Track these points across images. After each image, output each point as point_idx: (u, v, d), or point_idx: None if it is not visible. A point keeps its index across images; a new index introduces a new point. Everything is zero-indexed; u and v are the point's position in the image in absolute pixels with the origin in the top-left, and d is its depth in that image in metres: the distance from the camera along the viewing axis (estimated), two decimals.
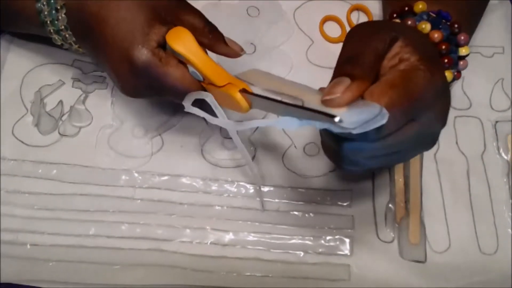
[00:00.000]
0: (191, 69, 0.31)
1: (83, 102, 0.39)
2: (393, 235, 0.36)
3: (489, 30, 0.42)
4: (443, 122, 0.27)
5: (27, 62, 0.40)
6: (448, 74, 0.31)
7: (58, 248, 0.34)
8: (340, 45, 0.41)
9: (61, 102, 0.39)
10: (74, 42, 0.33)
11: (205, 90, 0.31)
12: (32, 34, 0.37)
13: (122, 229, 0.35)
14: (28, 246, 0.34)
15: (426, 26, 0.31)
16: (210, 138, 0.38)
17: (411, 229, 0.36)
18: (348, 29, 0.43)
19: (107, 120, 0.38)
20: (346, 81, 0.25)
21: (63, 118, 0.38)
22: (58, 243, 0.34)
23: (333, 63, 0.40)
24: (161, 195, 0.36)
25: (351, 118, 0.23)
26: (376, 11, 0.43)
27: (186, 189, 0.37)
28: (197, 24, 0.32)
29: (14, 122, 0.38)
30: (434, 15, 0.32)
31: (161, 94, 0.32)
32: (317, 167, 0.38)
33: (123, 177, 0.37)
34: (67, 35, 0.33)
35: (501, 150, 0.39)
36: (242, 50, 0.33)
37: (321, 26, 0.43)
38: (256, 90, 0.30)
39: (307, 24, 0.43)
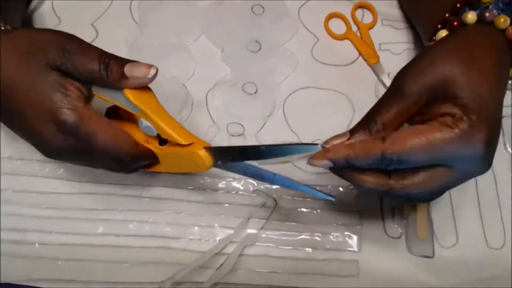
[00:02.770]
0: (144, 123, 0.29)
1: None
2: (400, 231, 0.36)
3: None
4: (483, 169, 0.27)
5: None
6: None
7: (66, 247, 0.34)
8: (345, 42, 0.42)
9: None
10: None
11: (150, 150, 0.30)
12: None
13: (130, 228, 0.35)
14: (37, 245, 0.34)
15: (505, 20, 0.27)
16: (217, 135, 0.38)
17: (418, 225, 0.36)
18: (353, 26, 0.43)
19: None
20: (345, 135, 0.27)
21: None
22: (66, 242, 0.34)
23: (338, 60, 0.41)
24: (169, 193, 0.36)
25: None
26: (380, 8, 0.43)
27: (194, 187, 0.37)
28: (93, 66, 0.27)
29: None
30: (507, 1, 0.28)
31: (89, 157, 0.29)
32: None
33: (131, 175, 0.36)
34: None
35: (507, 145, 0.39)
36: (150, 68, 0.28)
37: (326, 23, 0.43)
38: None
39: (312, 21, 0.43)
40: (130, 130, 0.30)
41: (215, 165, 0.30)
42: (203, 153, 0.29)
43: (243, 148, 0.29)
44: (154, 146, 0.31)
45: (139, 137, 0.30)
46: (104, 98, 0.29)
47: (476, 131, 0.25)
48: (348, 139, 0.27)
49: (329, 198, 0.28)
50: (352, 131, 0.27)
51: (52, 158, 0.31)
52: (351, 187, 0.37)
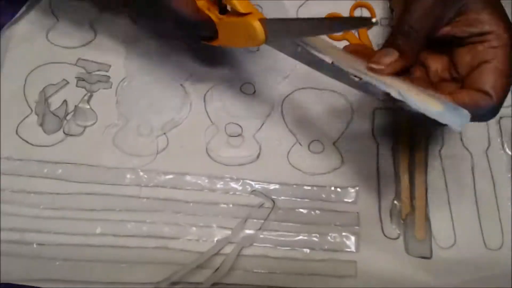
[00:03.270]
0: None
1: (88, 101, 0.39)
2: (398, 232, 0.36)
3: None
4: None
5: (29, 61, 0.40)
6: None
7: (64, 247, 0.34)
8: (344, 42, 0.42)
9: (65, 101, 0.39)
10: None
11: (210, 18, 0.31)
12: None
13: (128, 228, 0.35)
14: (35, 246, 0.34)
15: None
16: (215, 136, 0.38)
17: (416, 225, 0.36)
18: None
19: (112, 119, 0.38)
20: (394, 54, 0.26)
21: (68, 117, 0.38)
22: (64, 242, 0.34)
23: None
24: (167, 193, 0.36)
25: (451, 117, 0.25)
26: (379, 7, 0.43)
27: (191, 187, 0.37)
28: None
29: (18, 122, 0.38)
30: None
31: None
32: (322, 165, 0.38)
33: (129, 176, 0.37)
34: None
35: (505, 146, 0.39)
36: None
37: None
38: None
39: None
40: None
41: (269, 41, 0.29)
42: (257, 24, 0.28)
43: (298, 21, 0.29)
44: (214, 15, 0.31)
45: (201, 3, 0.31)
46: None
47: None
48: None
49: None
50: (394, 45, 0.27)
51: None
52: (350, 188, 0.37)
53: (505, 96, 0.27)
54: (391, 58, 0.26)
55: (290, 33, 0.28)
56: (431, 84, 0.30)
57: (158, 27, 0.35)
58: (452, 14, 0.28)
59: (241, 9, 0.29)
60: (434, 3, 0.27)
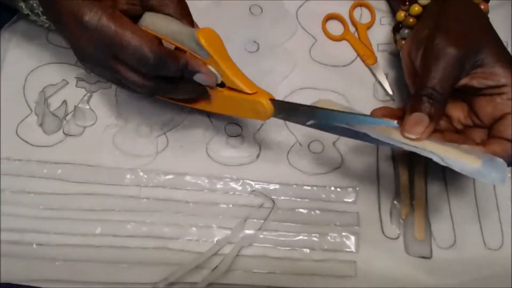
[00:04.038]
0: (210, 68, 0.31)
1: (87, 101, 0.39)
2: (398, 232, 0.36)
3: (493, 24, 0.42)
4: None
5: (29, 62, 0.40)
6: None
7: (64, 247, 0.34)
8: (343, 43, 0.42)
9: (65, 102, 0.39)
10: (42, 12, 0.32)
11: (170, 50, 0.30)
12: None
13: (128, 228, 0.35)
14: (34, 246, 0.34)
15: None
16: (215, 136, 0.38)
17: (416, 225, 0.36)
18: (351, 27, 0.43)
19: (112, 120, 0.38)
20: (425, 120, 0.28)
21: (68, 117, 0.38)
22: (64, 242, 0.34)
23: (336, 61, 0.42)
24: (167, 193, 0.36)
25: (490, 173, 0.26)
26: (379, 6, 0.43)
27: (191, 188, 0.37)
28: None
29: (18, 122, 0.38)
30: None
31: (114, 61, 0.29)
32: (322, 165, 0.38)
33: (129, 176, 0.37)
34: (34, 4, 0.32)
35: None
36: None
37: (324, 24, 0.43)
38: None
39: (310, 22, 0.43)
40: None
41: (275, 116, 0.31)
42: (267, 103, 0.30)
43: (312, 109, 0.30)
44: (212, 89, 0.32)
45: None
46: (169, 40, 0.30)
47: None
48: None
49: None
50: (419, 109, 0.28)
51: (84, 62, 0.31)
52: (350, 188, 0.37)
53: None
54: (424, 125, 0.28)
55: (298, 119, 0.30)
56: (458, 132, 0.32)
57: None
58: (469, 69, 0.30)
59: (248, 90, 0.30)
60: (453, 65, 0.29)
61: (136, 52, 0.28)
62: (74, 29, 0.29)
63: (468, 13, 0.31)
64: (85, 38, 0.28)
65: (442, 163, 0.27)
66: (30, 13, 0.33)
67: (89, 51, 0.29)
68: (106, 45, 0.28)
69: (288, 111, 0.31)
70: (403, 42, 0.36)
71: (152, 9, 0.30)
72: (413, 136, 0.28)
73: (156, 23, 0.30)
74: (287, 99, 0.40)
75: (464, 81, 0.30)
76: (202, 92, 0.32)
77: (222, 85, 0.32)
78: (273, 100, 0.31)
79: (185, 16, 0.31)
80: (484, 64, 0.30)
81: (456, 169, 0.26)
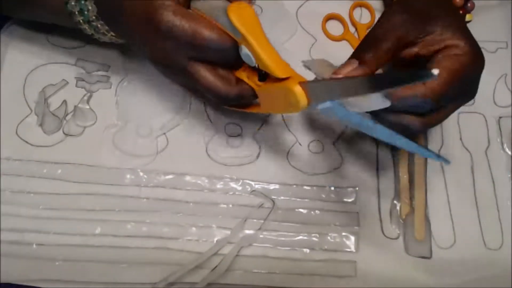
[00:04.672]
0: (244, 50, 0.28)
1: (87, 101, 0.39)
2: (398, 232, 0.36)
3: (493, 25, 0.42)
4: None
5: (29, 62, 0.39)
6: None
7: (64, 247, 0.34)
8: (343, 43, 0.42)
9: (65, 102, 0.39)
10: (107, 31, 0.32)
11: (250, 87, 0.30)
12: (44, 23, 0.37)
13: (128, 228, 0.35)
14: (34, 246, 0.34)
15: None
16: (215, 136, 0.38)
17: (416, 226, 0.36)
18: (351, 27, 0.43)
19: (112, 120, 0.38)
20: (354, 63, 0.29)
21: (67, 117, 0.38)
22: (64, 242, 0.34)
23: (336, 61, 0.41)
24: (167, 193, 0.36)
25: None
26: (379, 6, 0.43)
27: (191, 188, 0.37)
28: None
29: (18, 122, 0.38)
30: None
31: (194, 51, 0.29)
32: (322, 165, 0.38)
33: (129, 176, 0.37)
34: (99, 25, 0.32)
35: (505, 146, 0.39)
36: None
37: (323, 24, 0.43)
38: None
39: (309, 22, 0.43)
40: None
41: (311, 106, 0.26)
42: (298, 89, 0.26)
43: (342, 80, 0.27)
44: (253, 82, 0.29)
45: (240, 73, 0.30)
46: (204, 15, 0.28)
47: (478, 57, 0.30)
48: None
49: (442, 160, 0.26)
50: (359, 57, 0.29)
51: (158, 65, 0.31)
52: (350, 188, 0.37)
53: (441, 96, 0.28)
54: (350, 67, 0.29)
55: (334, 95, 0.26)
56: None
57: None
58: (418, 36, 0.30)
59: (280, 74, 0.27)
60: (402, 22, 0.30)
61: (218, 46, 0.28)
62: (148, 33, 0.29)
63: None
64: (161, 39, 0.28)
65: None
66: (94, 33, 0.33)
67: (165, 53, 0.29)
68: (184, 44, 0.28)
69: (323, 94, 0.26)
70: None
71: None
72: (335, 76, 0.28)
73: (198, 2, 0.29)
74: None
75: (413, 50, 0.30)
76: (252, 97, 0.30)
77: (262, 78, 0.29)
78: (304, 83, 0.26)
79: None
80: (433, 31, 0.29)
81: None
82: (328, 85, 0.26)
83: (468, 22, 0.36)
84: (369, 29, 0.31)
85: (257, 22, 0.28)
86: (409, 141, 0.26)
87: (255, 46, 0.27)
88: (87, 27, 0.33)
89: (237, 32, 0.27)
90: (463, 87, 0.29)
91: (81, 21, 0.32)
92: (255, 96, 0.30)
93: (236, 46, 0.28)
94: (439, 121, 0.31)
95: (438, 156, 0.26)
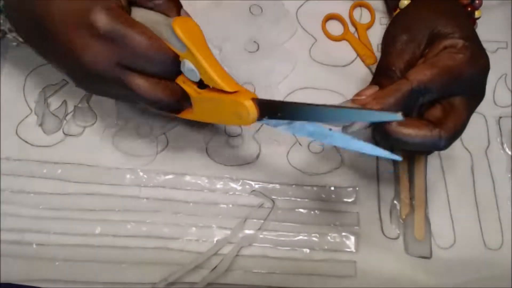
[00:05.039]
0: (187, 65, 0.27)
1: (87, 101, 0.39)
2: (398, 232, 0.36)
3: (493, 24, 0.42)
4: (483, 94, 0.32)
5: (29, 62, 0.39)
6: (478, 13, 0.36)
7: (64, 247, 0.34)
8: (343, 43, 0.42)
9: (65, 101, 0.39)
10: (9, 29, 0.30)
11: (185, 92, 0.29)
12: None
13: (128, 228, 0.35)
14: (34, 246, 0.34)
15: None
16: (215, 136, 0.38)
17: (416, 225, 0.36)
18: (351, 27, 0.43)
19: (112, 119, 0.38)
20: (375, 88, 0.30)
21: (67, 117, 0.38)
22: (64, 242, 0.34)
23: (336, 61, 0.42)
24: (167, 193, 0.36)
25: None
26: (379, 6, 0.43)
27: (191, 188, 0.37)
28: None
29: (18, 122, 0.38)
30: None
31: (131, 60, 0.27)
32: (322, 164, 0.38)
33: (128, 176, 0.37)
34: (0, 21, 0.29)
35: (505, 146, 0.39)
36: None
37: (323, 24, 0.43)
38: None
39: (309, 22, 0.43)
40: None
41: (259, 119, 0.27)
42: (249, 104, 0.26)
43: (298, 106, 0.25)
44: (192, 89, 0.28)
45: (178, 79, 0.29)
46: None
47: (479, 56, 0.30)
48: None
49: (395, 157, 0.26)
50: (377, 83, 0.30)
51: (83, 82, 0.29)
52: (350, 188, 0.37)
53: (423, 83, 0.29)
54: (372, 90, 0.30)
55: (284, 117, 0.26)
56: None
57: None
58: (422, 48, 0.31)
59: (228, 88, 0.27)
60: (405, 45, 0.31)
61: (158, 57, 0.27)
62: (73, 35, 0.26)
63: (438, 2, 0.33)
64: (87, 44, 0.26)
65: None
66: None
67: (90, 63, 0.26)
68: (113, 49, 0.26)
69: (274, 113, 0.26)
70: None
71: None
72: (358, 98, 0.29)
73: (139, 14, 0.28)
74: (287, 99, 0.40)
75: (420, 61, 0.31)
76: (182, 98, 0.29)
77: (202, 86, 0.28)
78: (256, 100, 0.26)
79: (173, 8, 0.28)
80: (440, 35, 0.30)
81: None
82: (280, 107, 0.26)
83: (478, 18, 0.35)
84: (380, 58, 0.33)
85: (202, 37, 0.28)
86: (365, 143, 0.26)
87: (201, 60, 0.27)
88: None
89: (182, 46, 0.26)
90: (458, 83, 0.29)
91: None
92: (189, 102, 0.29)
93: (176, 59, 0.27)
94: (458, 126, 0.30)
95: (391, 154, 0.26)
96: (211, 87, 0.28)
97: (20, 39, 0.30)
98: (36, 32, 0.28)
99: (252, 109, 0.26)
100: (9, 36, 0.30)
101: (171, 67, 0.28)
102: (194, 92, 0.29)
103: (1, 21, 0.29)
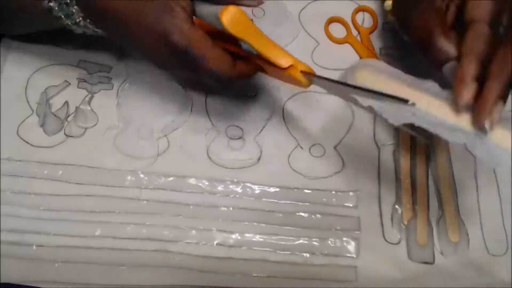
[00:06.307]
0: (244, 46, 0.31)
1: (89, 102, 0.39)
2: (399, 237, 0.36)
3: None
4: None
5: (31, 63, 0.40)
6: None
7: (64, 249, 0.34)
8: (346, 46, 0.42)
9: (66, 103, 0.39)
10: (96, 28, 0.33)
11: (244, 68, 0.32)
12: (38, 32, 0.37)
13: (128, 230, 0.35)
14: (34, 247, 0.34)
15: None
16: (216, 139, 0.38)
17: (418, 231, 0.36)
18: (353, 31, 0.43)
19: (113, 121, 0.38)
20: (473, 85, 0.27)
21: (69, 119, 0.38)
22: (64, 244, 0.34)
23: (338, 64, 0.41)
24: (167, 196, 0.36)
25: None
26: (381, 12, 0.43)
27: (192, 190, 0.36)
28: None
29: (19, 123, 0.38)
30: None
31: (194, 74, 0.32)
32: (323, 168, 0.38)
33: (129, 178, 0.36)
34: (88, 25, 0.33)
35: None
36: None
37: (326, 27, 0.43)
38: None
39: (312, 25, 0.43)
40: (231, 47, 0.32)
41: (314, 83, 0.32)
42: (301, 77, 0.31)
43: (341, 84, 0.30)
44: (256, 59, 0.32)
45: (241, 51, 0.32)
46: (204, 22, 0.31)
47: None
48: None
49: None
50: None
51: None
52: (351, 193, 0.37)
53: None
54: (471, 90, 0.27)
55: (331, 91, 0.32)
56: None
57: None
58: None
59: (283, 65, 0.31)
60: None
61: (212, 74, 0.31)
62: (159, 56, 0.31)
63: None
64: (169, 63, 0.32)
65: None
66: (86, 31, 0.33)
67: (172, 69, 0.34)
68: (184, 62, 0.31)
69: (322, 84, 0.32)
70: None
71: None
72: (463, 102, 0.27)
73: (198, 8, 0.31)
74: (289, 101, 0.40)
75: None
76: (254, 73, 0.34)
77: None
78: (305, 73, 0.31)
79: None
80: None
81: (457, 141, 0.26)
82: (328, 84, 0.31)
83: None
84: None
85: (248, 22, 0.30)
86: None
87: (253, 44, 0.30)
88: (76, 28, 0.33)
89: (233, 35, 0.29)
90: None
91: (69, 23, 0.33)
92: (254, 72, 0.33)
93: (231, 67, 0.31)
94: None
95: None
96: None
97: (93, 28, 0.33)
98: (116, 34, 0.33)
99: (303, 80, 0.31)
100: (99, 33, 0.33)
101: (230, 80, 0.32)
102: (260, 61, 0.32)
103: (88, 25, 0.33)
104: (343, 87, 0.30)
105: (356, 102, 0.30)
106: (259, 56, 0.31)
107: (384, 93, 0.28)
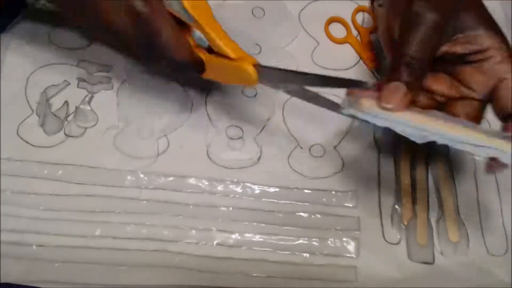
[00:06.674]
0: (197, 34, 0.31)
1: (89, 102, 0.39)
2: (399, 237, 0.36)
3: None
4: None
5: (31, 63, 0.39)
6: None
7: (63, 249, 0.34)
8: (346, 46, 0.42)
9: (66, 102, 0.39)
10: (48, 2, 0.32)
11: (201, 58, 0.32)
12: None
13: (128, 230, 0.35)
14: (34, 247, 0.34)
15: None
16: (216, 138, 0.38)
17: (418, 231, 0.36)
18: (353, 30, 0.43)
19: (113, 121, 0.38)
20: (403, 89, 0.27)
21: (69, 118, 0.38)
22: (63, 244, 0.34)
23: (339, 64, 0.41)
24: (167, 196, 0.36)
25: None
26: (382, 13, 0.43)
27: (192, 190, 0.36)
28: None
29: (19, 123, 0.38)
30: None
31: (149, 51, 0.31)
32: (323, 168, 0.38)
33: (129, 178, 0.36)
34: None
35: None
36: None
37: (326, 27, 0.43)
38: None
39: (312, 25, 0.43)
40: (185, 37, 0.32)
41: (261, 82, 0.31)
42: (251, 69, 0.31)
43: (294, 73, 0.31)
44: (202, 53, 0.32)
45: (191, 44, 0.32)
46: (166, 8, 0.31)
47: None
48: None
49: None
50: (398, 77, 0.27)
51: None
52: (350, 193, 0.37)
53: None
54: (400, 94, 0.27)
55: (281, 82, 0.31)
56: (440, 108, 0.30)
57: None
58: (450, 35, 0.28)
59: (232, 55, 0.31)
60: (432, 30, 0.27)
61: (169, 56, 0.30)
62: (118, 24, 0.29)
63: None
64: (128, 33, 0.30)
65: (451, 145, 0.26)
66: (35, 1, 0.33)
67: (126, 41, 0.31)
68: (141, 33, 0.29)
69: (273, 78, 0.31)
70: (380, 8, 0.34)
71: None
72: (389, 106, 0.27)
73: None
74: (288, 102, 0.40)
75: (445, 48, 0.29)
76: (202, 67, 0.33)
77: (211, 51, 0.32)
78: (257, 66, 0.31)
79: None
80: (465, 28, 0.28)
81: (483, 155, 0.26)
82: (278, 74, 0.31)
83: None
84: (398, 47, 0.29)
85: (208, 9, 0.31)
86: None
87: (208, 30, 0.30)
88: None
89: (190, 17, 0.30)
90: None
91: None
92: (203, 66, 0.33)
93: (187, 57, 0.31)
94: None
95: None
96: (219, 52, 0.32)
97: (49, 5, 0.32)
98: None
99: (253, 74, 0.31)
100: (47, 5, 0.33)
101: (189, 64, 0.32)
102: (205, 56, 0.32)
103: None
104: (291, 75, 0.31)
105: (335, 109, 0.30)
106: (210, 50, 0.32)
107: (338, 78, 0.29)
